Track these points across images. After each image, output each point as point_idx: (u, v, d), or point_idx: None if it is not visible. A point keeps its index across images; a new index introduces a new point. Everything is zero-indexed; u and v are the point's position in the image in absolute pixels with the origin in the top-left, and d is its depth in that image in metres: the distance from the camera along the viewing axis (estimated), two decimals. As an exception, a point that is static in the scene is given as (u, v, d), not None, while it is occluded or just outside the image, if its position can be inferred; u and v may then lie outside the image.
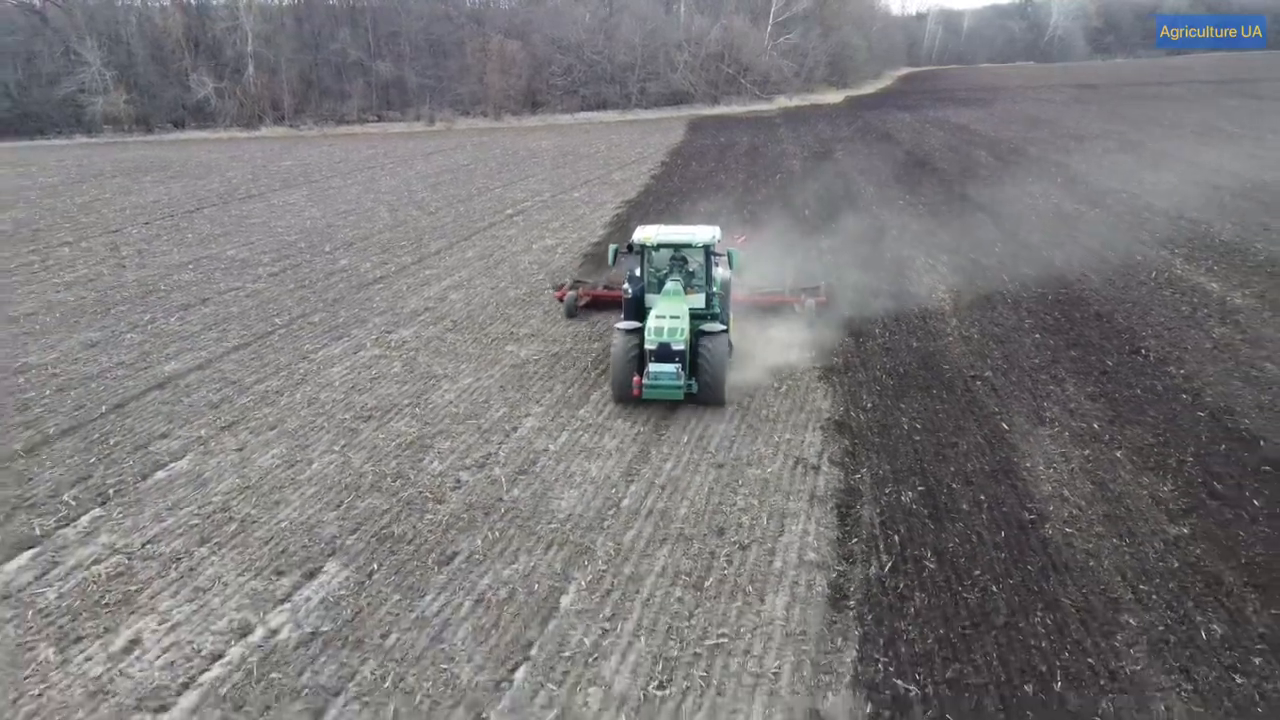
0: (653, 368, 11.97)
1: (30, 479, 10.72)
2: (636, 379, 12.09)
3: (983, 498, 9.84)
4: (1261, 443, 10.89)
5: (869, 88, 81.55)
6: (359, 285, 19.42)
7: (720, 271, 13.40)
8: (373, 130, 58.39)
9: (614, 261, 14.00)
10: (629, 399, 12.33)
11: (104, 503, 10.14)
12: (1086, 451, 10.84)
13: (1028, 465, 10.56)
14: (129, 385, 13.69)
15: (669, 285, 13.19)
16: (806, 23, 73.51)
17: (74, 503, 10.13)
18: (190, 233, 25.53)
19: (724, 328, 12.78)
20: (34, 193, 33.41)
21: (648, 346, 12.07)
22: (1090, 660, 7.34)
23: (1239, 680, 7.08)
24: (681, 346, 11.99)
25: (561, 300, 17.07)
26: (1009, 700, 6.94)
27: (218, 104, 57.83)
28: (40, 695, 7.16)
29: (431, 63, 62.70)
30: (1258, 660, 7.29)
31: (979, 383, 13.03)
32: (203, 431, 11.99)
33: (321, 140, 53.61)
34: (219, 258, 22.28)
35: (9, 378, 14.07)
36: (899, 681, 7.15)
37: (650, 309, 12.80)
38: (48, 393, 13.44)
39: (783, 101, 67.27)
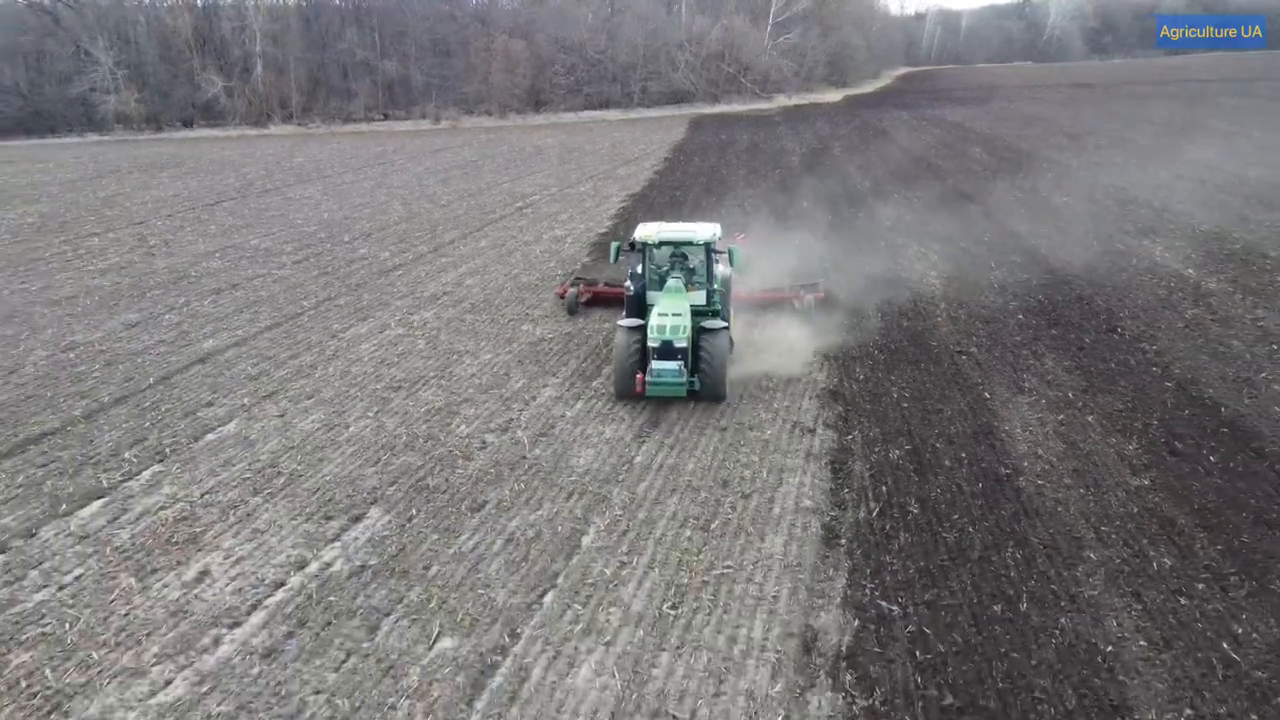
0: (655, 365, 12.09)
1: (92, 440, 11.72)
2: (640, 376, 12.21)
3: (963, 455, 10.81)
4: (1222, 409, 11.83)
5: (868, 87, 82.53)
6: (379, 272, 20.40)
7: (721, 268, 13.58)
8: (379, 128, 59.43)
9: (615, 259, 14.03)
10: (632, 396, 12.43)
11: (162, 460, 11.14)
12: (1060, 416, 11.81)
13: (1006, 428, 11.52)
14: (172, 360, 14.68)
15: (670, 282, 13.28)
16: (806, 23, 74.51)
17: (135, 460, 11.13)
18: (212, 224, 26.56)
19: (725, 324, 12.91)
20: (55, 188, 34.44)
21: (650, 344, 12.14)
22: (1053, 587, 8.29)
23: (1183, 601, 8.04)
24: (684, 344, 12.06)
25: (563, 297, 17.22)
26: (979, 618, 7.90)
27: (227, 103, 58.96)
28: (127, 615, 8.14)
29: (437, 62, 63.78)
30: (1201, 586, 8.24)
31: (964, 357, 13.99)
32: (245, 400, 12.98)
33: (330, 138, 54.61)
34: (243, 247, 23.28)
35: (60, 354, 15.09)
36: (883, 603, 8.13)
37: (652, 306, 12.87)
38: (97, 367, 14.43)
39: (782, 100, 68.24)
